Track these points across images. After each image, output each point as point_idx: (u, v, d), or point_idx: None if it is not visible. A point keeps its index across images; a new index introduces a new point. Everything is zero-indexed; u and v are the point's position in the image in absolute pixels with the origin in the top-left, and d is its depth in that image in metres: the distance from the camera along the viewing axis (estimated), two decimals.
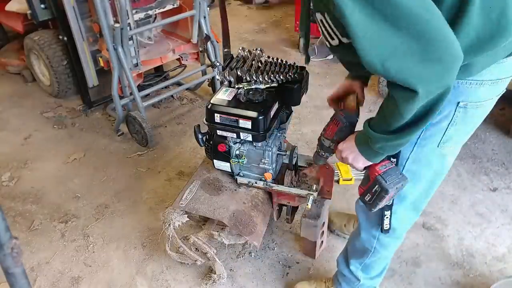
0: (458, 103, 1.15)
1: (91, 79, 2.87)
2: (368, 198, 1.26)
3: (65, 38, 2.79)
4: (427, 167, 1.27)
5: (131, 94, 2.71)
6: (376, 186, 1.21)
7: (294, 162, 1.81)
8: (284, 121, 1.86)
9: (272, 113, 1.64)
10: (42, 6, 2.77)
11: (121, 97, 2.72)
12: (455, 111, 1.16)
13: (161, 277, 1.95)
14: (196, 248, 1.79)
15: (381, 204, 1.24)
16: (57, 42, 2.98)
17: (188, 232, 1.86)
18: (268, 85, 1.65)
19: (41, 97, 3.32)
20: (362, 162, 1.22)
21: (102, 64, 2.75)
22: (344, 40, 1.05)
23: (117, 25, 2.40)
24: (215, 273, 1.84)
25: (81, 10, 2.64)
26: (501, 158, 2.56)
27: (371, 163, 1.21)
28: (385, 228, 1.37)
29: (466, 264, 1.96)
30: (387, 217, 1.35)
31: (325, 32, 1.09)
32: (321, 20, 1.07)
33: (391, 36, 0.90)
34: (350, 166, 1.27)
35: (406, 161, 1.25)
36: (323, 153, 1.43)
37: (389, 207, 1.32)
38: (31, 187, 2.50)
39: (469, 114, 1.19)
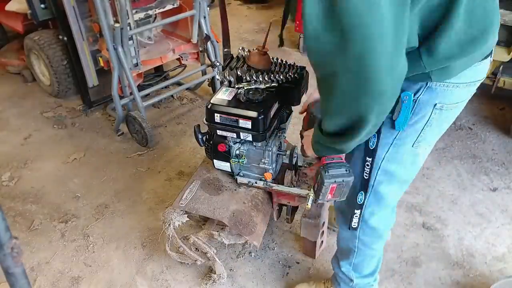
0: (435, 104, 1.16)
1: (91, 79, 2.87)
2: (315, 188, 1.32)
3: (65, 38, 2.79)
4: (401, 165, 1.29)
5: (131, 94, 2.71)
6: (319, 176, 1.27)
7: (294, 162, 1.81)
8: (284, 121, 1.86)
9: (272, 113, 1.64)
10: (42, 6, 2.77)
11: (121, 97, 2.72)
12: (431, 112, 1.18)
13: (161, 277, 1.95)
14: (196, 248, 1.79)
15: (324, 196, 1.28)
16: (57, 42, 2.98)
17: (188, 232, 1.86)
18: (268, 85, 1.65)
19: (41, 97, 3.32)
20: (311, 152, 1.28)
21: (102, 64, 2.75)
22: None
23: (117, 25, 2.40)
24: (215, 273, 1.84)
25: (81, 10, 2.64)
26: (501, 158, 2.56)
27: (317, 155, 1.27)
28: (353, 226, 1.39)
29: (466, 264, 1.96)
30: (356, 216, 1.37)
31: None
32: None
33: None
34: (304, 153, 1.38)
35: (382, 161, 1.27)
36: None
37: (360, 206, 1.34)
38: (31, 187, 2.49)
39: (444, 115, 1.20)
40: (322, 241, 1.99)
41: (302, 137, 1.49)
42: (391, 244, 2.05)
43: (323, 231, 1.95)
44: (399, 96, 1.11)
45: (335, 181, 1.24)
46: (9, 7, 3.09)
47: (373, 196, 1.34)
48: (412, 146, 1.24)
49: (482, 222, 2.17)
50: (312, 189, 1.41)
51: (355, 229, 1.40)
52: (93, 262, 2.04)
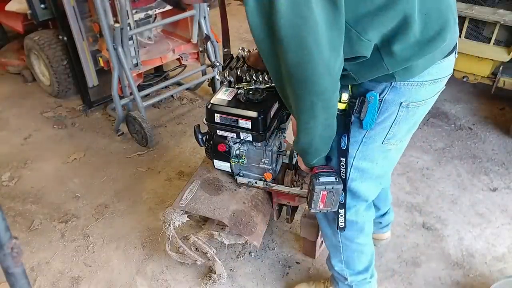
0: (401, 103, 1.20)
1: (91, 79, 2.87)
2: (308, 198, 1.37)
3: (65, 38, 2.79)
4: (373, 163, 1.34)
5: (131, 94, 2.71)
6: (311, 184, 1.33)
7: (294, 162, 1.81)
8: (284, 121, 1.86)
9: (272, 113, 1.64)
10: (42, 6, 2.77)
11: (121, 97, 2.72)
12: (398, 111, 1.22)
13: (161, 277, 1.95)
14: (196, 248, 1.79)
15: (316, 205, 1.34)
16: (57, 42, 2.98)
17: (188, 232, 1.86)
18: (268, 85, 1.65)
19: (41, 97, 3.32)
20: (303, 166, 1.39)
21: (102, 64, 2.75)
22: None
23: (117, 25, 2.40)
24: (215, 273, 1.84)
25: (81, 10, 2.64)
26: (501, 158, 2.56)
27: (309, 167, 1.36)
28: (340, 226, 1.43)
29: (466, 264, 1.96)
30: (341, 215, 1.40)
31: None
32: None
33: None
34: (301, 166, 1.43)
35: (353, 159, 1.32)
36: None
37: (342, 205, 1.38)
38: (31, 187, 2.49)
39: (411, 113, 1.24)
40: (322, 241, 1.99)
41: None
42: (391, 244, 2.05)
43: None
44: (365, 97, 1.18)
45: (325, 188, 1.29)
46: (9, 7, 3.09)
47: (349, 193, 1.38)
48: (382, 143, 1.29)
49: (482, 222, 2.17)
50: (306, 199, 1.46)
51: (343, 228, 1.43)
52: (93, 262, 2.04)
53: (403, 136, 1.33)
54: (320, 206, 1.35)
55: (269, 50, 1.01)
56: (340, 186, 1.31)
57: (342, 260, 1.59)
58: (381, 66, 1.11)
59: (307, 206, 1.73)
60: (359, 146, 1.29)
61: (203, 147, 1.83)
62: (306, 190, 1.75)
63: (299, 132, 1.20)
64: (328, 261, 1.69)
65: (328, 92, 1.05)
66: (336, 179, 1.31)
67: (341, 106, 1.22)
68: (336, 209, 1.37)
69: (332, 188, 1.30)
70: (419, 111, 1.26)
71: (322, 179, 1.30)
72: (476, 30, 2.57)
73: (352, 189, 1.38)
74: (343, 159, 1.29)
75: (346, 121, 1.24)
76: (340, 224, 1.41)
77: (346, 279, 1.63)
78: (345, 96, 1.20)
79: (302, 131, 1.18)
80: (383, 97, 1.19)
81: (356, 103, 1.20)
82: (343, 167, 1.31)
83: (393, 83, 1.17)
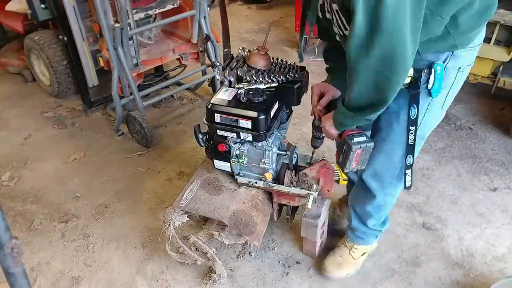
0: (459, 68, 1.34)
1: (91, 79, 2.87)
2: (341, 159, 1.49)
3: (65, 38, 2.79)
4: (430, 127, 1.52)
5: (131, 94, 2.71)
6: (345, 145, 1.44)
7: (294, 162, 1.81)
8: (284, 121, 1.86)
9: (272, 113, 1.64)
10: (42, 6, 2.76)
11: (121, 97, 2.72)
12: (456, 76, 1.36)
13: (161, 277, 1.95)
14: (196, 248, 1.79)
15: (350, 164, 1.46)
16: (57, 42, 2.98)
17: (188, 232, 1.86)
18: (268, 85, 1.65)
19: (41, 97, 3.32)
20: (334, 129, 1.47)
21: (102, 64, 2.75)
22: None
23: (117, 25, 2.40)
24: (215, 273, 1.84)
25: (81, 10, 2.64)
26: (501, 158, 2.56)
27: (340, 131, 1.46)
28: (407, 185, 1.54)
29: (466, 264, 1.96)
30: (408, 175, 1.52)
31: (339, 22, 1.23)
32: (337, 10, 1.21)
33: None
34: (327, 134, 1.52)
35: (420, 126, 1.43)
36: (316, 133, 1.73)
37: (410, 166, 1.50)
38: (31, 187, 2.50)
39: (463, 76, 1.39)
40: (322, 241, 1.99)
41: (313, 125, 1.72)
42: (391, 244, 2.05)
43: (323, 231, 1.95)
44: (431, 68, 1.30)
45: (360, 146, 1.41)
46: (9, 7, 3.09)
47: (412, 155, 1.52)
48: (441, 108, 1.45)
49: (482, 222, 2.17)
50: (336, 163, 1.58)
51: (410, 187, 1.55)
52: (93, 262, 2.04)
53: (451, 101, 1.47)
54: (353, 165, 1.46)
55: (365, 39, 1.11)
56: (372, 144, 1.43)
57: (379, 217, 1.76)
58: (448, 38, 1.23)
59: (306, 204, 1.74)
60: (424, 114, 1.41)
61: (203, 147, 1.83)
62: (306, 190, 1.76)
63: (359, 102, 1.28)
64: (358, 225, 1.81)
65: (407, 71, 1.18)
66: (367, 138, 1.43)
67: (407, 80, 1.30)
68: (364, 167, 1.50)
69: (366, 146, 1.42)
70: (465, 75, 1.40)
71: (356, 139, 1.42)
72: None
73: (416, 153, 1.51)
74: (413, 128, 1.40)
75: (413, 93, 1.35)
76: (407, 183, 1.54)
77: (379, 231, 1.84)
78: (410, 70, 1.27)
79: (369, 108, 1.27)
80: (445, 65, 1.31)
81: (422, 75, 1.30)
82: (412, 135, 1.42)
83: (454, 52, 1.29)
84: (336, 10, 1.21)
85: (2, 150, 2.80)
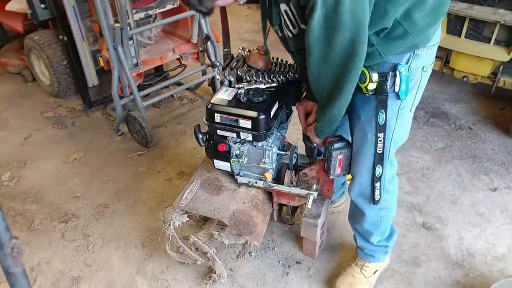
0: (423, 68, 1.35)
1: (91, 79, 2.87)
2: (325, 166, 1.55)
3: (65, 38, 2.78)
4: (403, 131, 1.49)
5: (131, 94, 2.71)
6: (327, 152, 1.51)
7: (294, 162, 1.81)
8: (284, 121, 1.86)
9: (272, 113, 1.64)
10: (42, 6, 2.76)
11: (121, 97, 2.72)
12: (421, 76, 1.37)
13: (161, 277, 1.95)
14: (196, 248, 1.79)
15: (335, 170, 1.52)
16: (57, 42, 2.98)
17: (188, 232, 1.86)
18: (268, 85, 1.65)
19: (41, 97, 3.32)
20: (317, 139, 1.53)
21: (102, 64, 2.75)
22: (303, 26, 1.24)
23: (117, 25, 2.40)
24: (215, 273, 1.84)
25: (81, 10, 2.64)
26: (501, 158, 2.56)
27: (321, 139, 1.52)
28: (376, 199, 1.53)
29: (466, 264, 1.96)
30: (377, 188, 1.50)
31: (288, 22, 1.26)
32: (285, 11, 1.23)
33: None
34: (316, 143, 1.59)
35: (393, 132, 1.41)
36: (307, 143, 1.76)
37: (378, 178, 1.48)
38: (31, 187, 2.50)
39: (427, 76, 1.40)
40: (322, 241, 1.99)
41: (303, 136, 1.76)
42: None
43: (323, 231, 1.95)
44: (396, 70, 1.29)
45: (340, 152, 1.48)
46: (9, 7, 3.09)
47: (389, 165, 1.51)
48: (410, 110, 1.43)
49: (482, 222, 2.17)
50: (323, 170, 1.62)
51: (378, 201, 1.53)
52: (93, 262, 2.04)
53: (418, 103, 1.46)
54: (338, 171, 1.52)
55: (322, 37, 1.15)
56: (351, 149, 1.48)
57: (381, 232, 1.70)
58: (407, 37, 1.23)
59: (306, 204, 1.74)
60: (396, 119, 1.39)
61: (203, 147, 1.83)
62: (305, 190, 1.76)
63: (329, 107, 1.31)
64: (363, 243, 1.77)
65: (362, 62, 1.20)
66: (347, 143, 1.48)
67: (373, 86, 1.29)
68: (347, 172, 1.53)
69: (347, 151, 1.48)
70: (428, 75, 1.40)
71: (336, 145, 1.48)
72: (476, 30, 2.57)
73: (390, 160, 1.50)
74: (381, 134, 1.38)
75: (381, 98, 1.33)
76: (376, 197, 1.51)
77: (386, 246, 1.77)
78: (375, 76, 1.28)
79: (332, 105, 1.30)
80: (409, 66, 1.31)
81: (388, 78, 1.29)
82: (381, 142, 1.39)
83: (415, 51, 1.29)
84: (285, 11, 1.23)
85: (2, 150, 2.80)
